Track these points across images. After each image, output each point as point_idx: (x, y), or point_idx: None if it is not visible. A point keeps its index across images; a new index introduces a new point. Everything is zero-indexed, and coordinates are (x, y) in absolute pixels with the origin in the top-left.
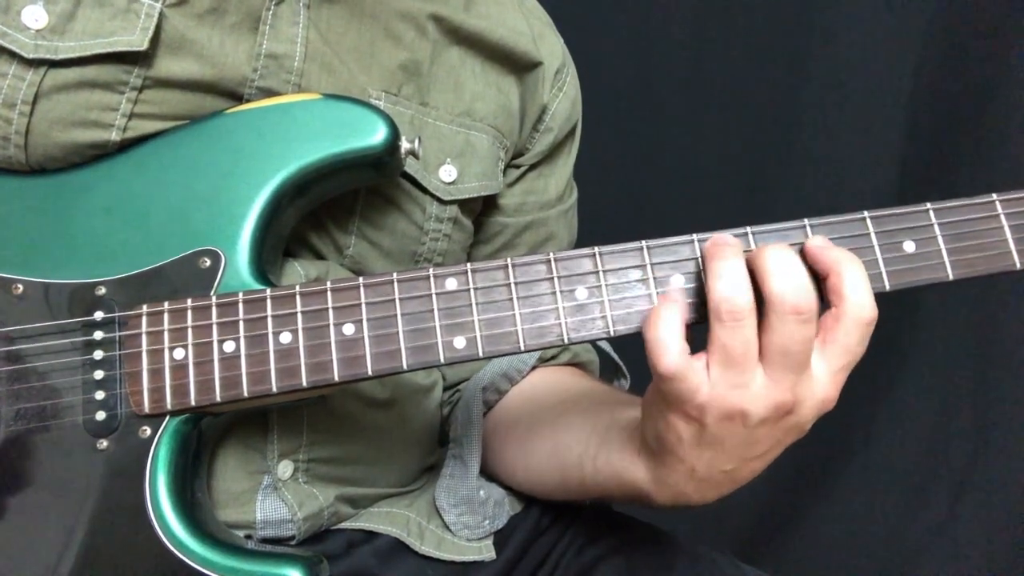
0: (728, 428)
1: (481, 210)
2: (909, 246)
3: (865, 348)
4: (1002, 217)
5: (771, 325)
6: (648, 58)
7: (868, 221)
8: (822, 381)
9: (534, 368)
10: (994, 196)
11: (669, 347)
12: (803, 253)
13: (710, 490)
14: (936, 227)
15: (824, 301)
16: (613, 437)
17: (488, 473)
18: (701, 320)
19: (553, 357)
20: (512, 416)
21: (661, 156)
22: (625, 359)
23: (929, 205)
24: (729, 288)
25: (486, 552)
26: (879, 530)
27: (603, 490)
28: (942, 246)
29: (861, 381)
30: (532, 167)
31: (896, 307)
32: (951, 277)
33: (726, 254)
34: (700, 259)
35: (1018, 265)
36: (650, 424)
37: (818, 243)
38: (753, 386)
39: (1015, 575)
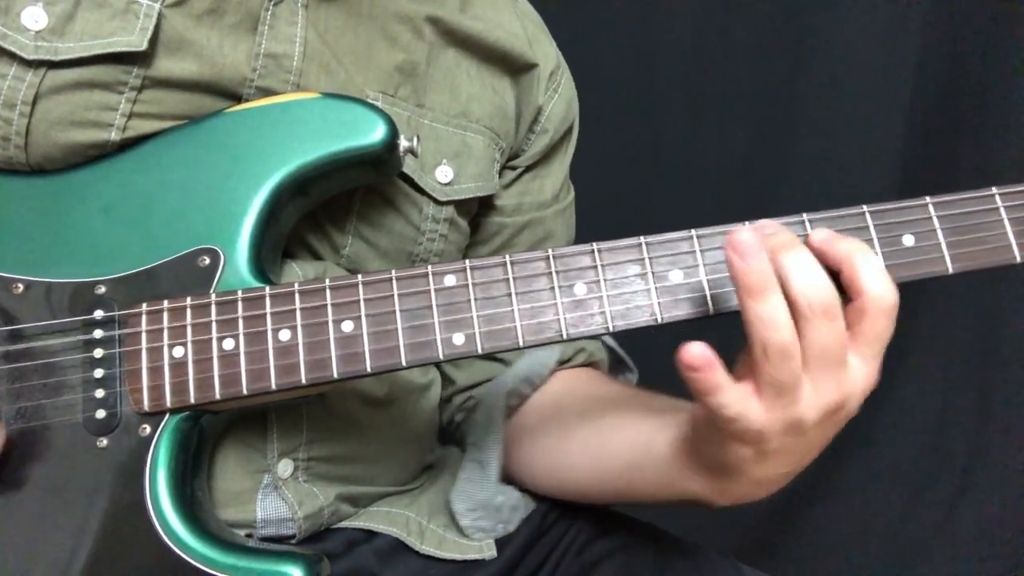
0: (787, 440)
1: (478, 211)
2: (908, 240)
3: (894, 326)
4: (1002, 210)
5: (804, 331)
6: (647, 55)
7: (867, 215)
8: (862, 370)
9: (552, 372)
10: (994, 189)
11: (725, 400)
12: (809, 247)
13: (771, 487)
14: (935, 220)
15: (841, 292)
16: (661, 450)
17: (509, 477)
18: (702, 316)
19: (569, 359)
20: (537, 423)
21: (660, 153)
22: (625, 348)
23: (928, 199)
24: (773, 329)
25: (487, 551)
26: (879, 530)
27: (654, 500)
28: (942, 239)
29: None
30: (528, 168)
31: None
32: (951, 270)
33: (765, 294)
34: (736, 290)
35: (1018, 258)
36: (706, 450)
37: (823, 236)
38: (804, 396)
39: (1015, 575)
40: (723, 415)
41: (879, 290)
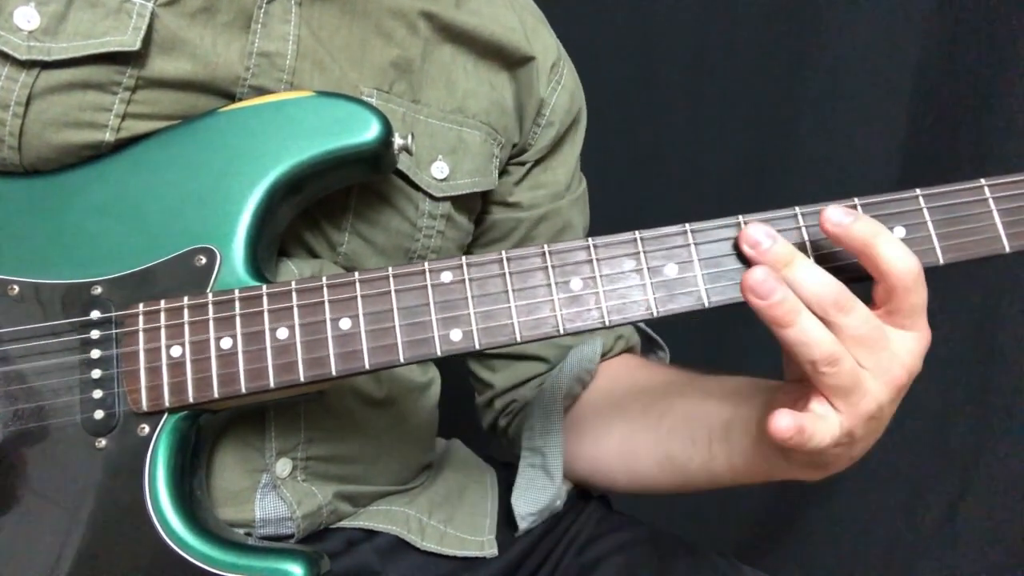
0: (871, 424)
1: (491, 209)
2: (900, 231)
3: (926, 289)
4: (990, 201)
5: (835, 329)
6: (646, 52)
7: (859, 207)
8: (911, 336)
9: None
10: (982, 181)
11: (817, 441)
12: (825, 233)
13: (861, 455)
14: (926, 212)
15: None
16: (742, 441)
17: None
18: (697, 309)
19: (611, 349)
20: (595, 420)
21: (659, 152)
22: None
23: (919, 191)
24: (814, 346)
25: (488, 548)
26: (879, 530)
27: (742, 482)
28: (932, 231)
29: None
30: (537, 162)
31: None
32: (942, 261)
33: (793, 321)
34: (764, 322)
35: (1007, 248)
36: (799, 455)
37: (838, 220)
38: (869, 386)
39: (1015, 575)
40: (820, 449)
41: (901, 267)
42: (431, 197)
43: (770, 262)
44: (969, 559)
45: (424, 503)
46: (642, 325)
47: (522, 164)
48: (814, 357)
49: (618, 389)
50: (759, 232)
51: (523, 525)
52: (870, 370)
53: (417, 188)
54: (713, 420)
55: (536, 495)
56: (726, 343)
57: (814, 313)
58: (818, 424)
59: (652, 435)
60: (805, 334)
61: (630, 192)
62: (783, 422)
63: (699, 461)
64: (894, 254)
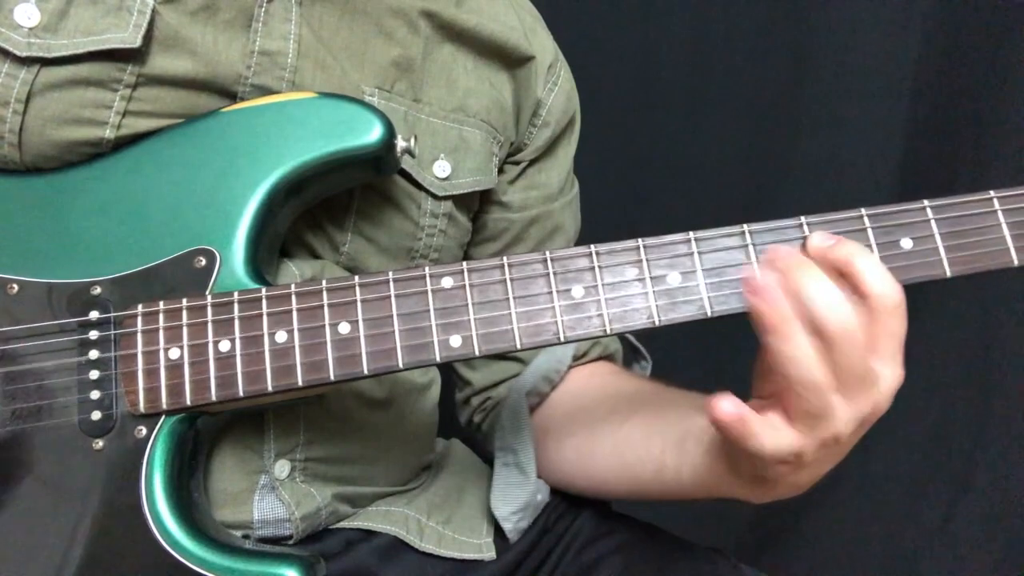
0: (825, 451)
1: (484, 208)
2: (906, 243)
3: (906, 322)
4: (1000, 214)
5: (830, 356)
6: (646, 55)
7: (865, 218)
8: (886, 371)
9: (569, 368)
10: (992, 193)
11: (760, 442)
12: (807, 253)
13: (809, 485)
14: (933, 224)
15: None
16: (693, 451)
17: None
18: (699, 318)
19: (585, 354)
20: (562, 422)
21: (659, 154)
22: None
23: (926, 202)
24: (802, 368)
25: (486, 551)
26: (879, 531)
27: (689, 496)
28: (939, 243)
29: None
30: (532, 163)
31: None
32: (948, 274)
33: (788, 334)
34: (757, 328)
35: (1016, 262)
36: (745, 465)
37: (819, 243)
38: (837, 415)
39: (1015, 575)
40: (760, 453)
41: (882, 290)
42: (433, 196)
43: (783, 266)
44: (969, 559)
45: (423, 504)
46: (628, 335)
47: (517, 164)
48: (798, 377)
49: (586, 393)
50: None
51: (507, 526)
52: (845, 401)
53: (420, 187)
54: (670, 429)
55: (514, 493)
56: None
57: (819, 334)
58: (765, 429)
59: (610, 439)
60: (796, 352)
61: (629, 194)
62: (725, 405)
63: (651, 469)
64: (879, 273)
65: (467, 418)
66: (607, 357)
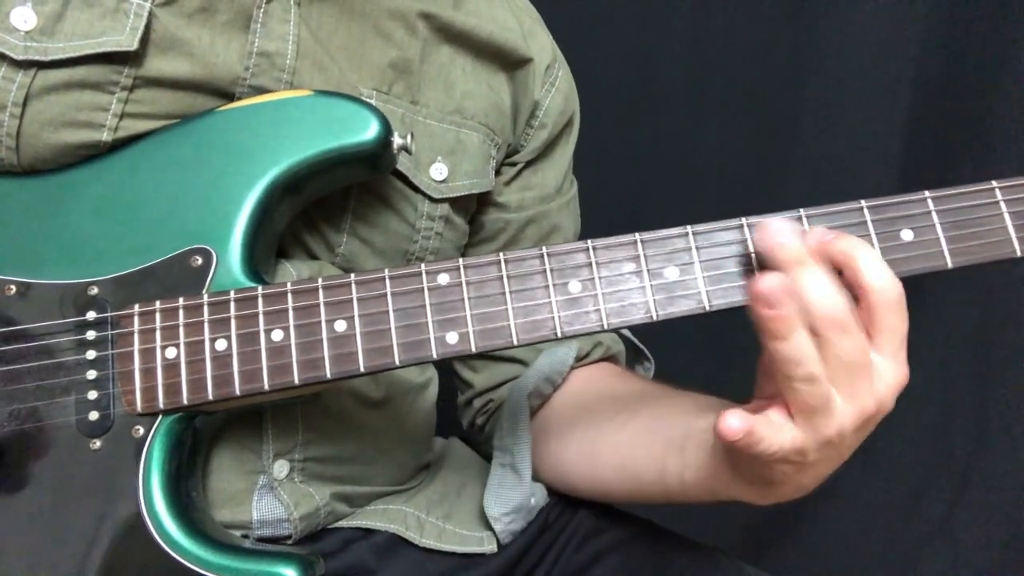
0: (827, 451)
1: (482, 209)
2: (907, 234)
3: (907, 316)
4: (1002, 204)
5: (825, 349)
6: (645, 52)
7: (865, 210)
8: (889, 368)
9: (571, 369)
10: (994, 183)
11: (766, 445)
12: (809, 250)
13: (813, 486)
14: (934, 215)
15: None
16: (696, 453)
17: (534, 475)
18: (698, 313)
19: (587, 355)
20: (563, 424)
21: (658, 151)
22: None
23: (927, 193)
24: (800, 364)
25: (487, 544)
26: (879, 530)
27: (691, 499)
28: (940, 234)
29: None
30: (528, 164)
31: None
32: (950, 265)
33: (789, 335)
34: (759, 331)
35: (1018, 252)
36: (748, 467)
37: (819, 237)
38: (838, 411)
39: (1015, 575)
40: (765, 455)
41: (882, 284)
42: (430, 199)
43: (780, 258)
44: (969, 559)
45: (422, 501)
46: (629, 335)
47: (513, 165)
48: (795, 373)
49: (589, 394)
50: (783, 228)
51: (498, 527)
52: (845, 395)
53: (416, 190)
54: (673, 432)
55: (507, 494)
56: (724, 346)
57: (813, 326)
58: (770, 430)
59: (612, 441)
60: (795, 350)
61: (629, 192)
62: (732, 422)
63: (653, 472)
64: (878, 267)
65: (469, 421)
66: (610, 358)
